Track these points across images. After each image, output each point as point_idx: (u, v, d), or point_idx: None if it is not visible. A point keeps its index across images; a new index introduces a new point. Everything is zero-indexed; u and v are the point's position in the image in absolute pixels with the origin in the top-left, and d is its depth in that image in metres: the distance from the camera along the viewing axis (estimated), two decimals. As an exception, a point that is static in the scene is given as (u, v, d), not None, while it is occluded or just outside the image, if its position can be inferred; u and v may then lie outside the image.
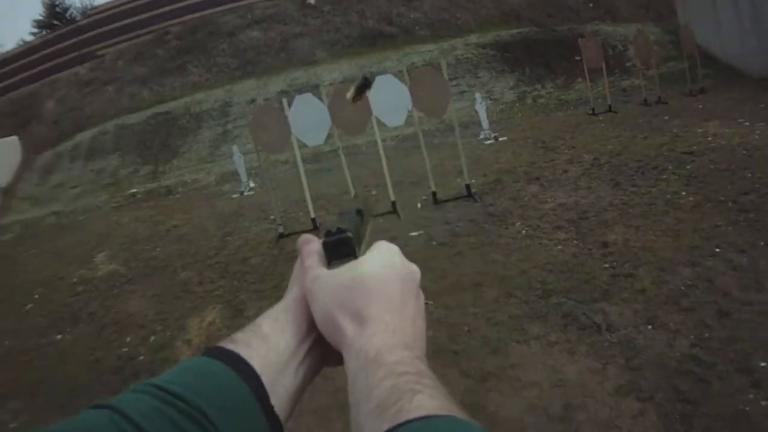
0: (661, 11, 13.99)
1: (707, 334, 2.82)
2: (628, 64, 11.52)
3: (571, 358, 2.88)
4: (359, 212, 0.51)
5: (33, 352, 4.95)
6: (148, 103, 13.84)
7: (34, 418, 3.90)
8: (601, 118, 8.72)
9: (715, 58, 11.30)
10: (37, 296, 6.38)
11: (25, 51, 19.01)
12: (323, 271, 0.45)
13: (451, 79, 5.82)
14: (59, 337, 5.13)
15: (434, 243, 4.84)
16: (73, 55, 17.41)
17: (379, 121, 5.74)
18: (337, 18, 14.39)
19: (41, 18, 32.78)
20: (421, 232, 5.16)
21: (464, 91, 10.85)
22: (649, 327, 2.95)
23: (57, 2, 33.14)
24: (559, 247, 4.20)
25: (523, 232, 4.65)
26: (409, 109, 5.68)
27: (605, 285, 3.48)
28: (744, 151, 5.67)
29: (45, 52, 17.96)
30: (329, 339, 0.43)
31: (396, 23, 13.80)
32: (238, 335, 0.45)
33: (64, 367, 4.52)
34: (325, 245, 0.46)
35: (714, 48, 11.49)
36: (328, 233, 0.46)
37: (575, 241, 4.25)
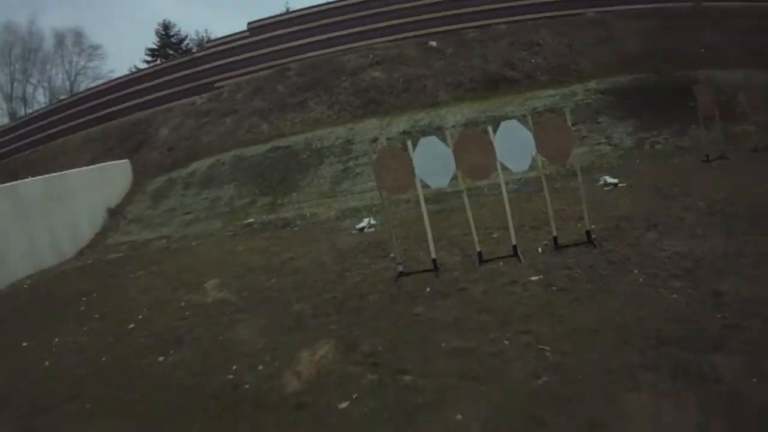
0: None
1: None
2: (738, 110, 10.72)
3: (678, 411, 2.98)
4: None
5: (131, 372, 4.93)
6: (267, 137, 13.87)
7: (123, 438, 3.80)
8: (714, 165, 8.55)
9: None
10: (141, 317, 6.35)
11: (138, 78, 19.07)
12: None
13: (572, 125, 5.93)
14: (161, 359, 5.10)
15: (554, 288, 4.92)
16: (189, 85, 17.43)
17: (503, 166, 5.90)
18: (459, 61, 14.53)
19: (155, 47, 33.68)
20: (541, 276, 5.22)
21: (585, 137, 10.72)
22: (754, 380, 3.00)
23: (172, 33, 34.33)
24: (675, 296, 4.24)
25: (641, 279, 4.69)
26: (534, 154, 5.85)
27: (716, 336, 3.52)
28: None
29: (159, 80, 17.99)
30: None
31: (518, 68, 13.90)
32: None
33: (162, 389, 4.49)
34: None
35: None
36: None
37: (689, 290, 4.26)
